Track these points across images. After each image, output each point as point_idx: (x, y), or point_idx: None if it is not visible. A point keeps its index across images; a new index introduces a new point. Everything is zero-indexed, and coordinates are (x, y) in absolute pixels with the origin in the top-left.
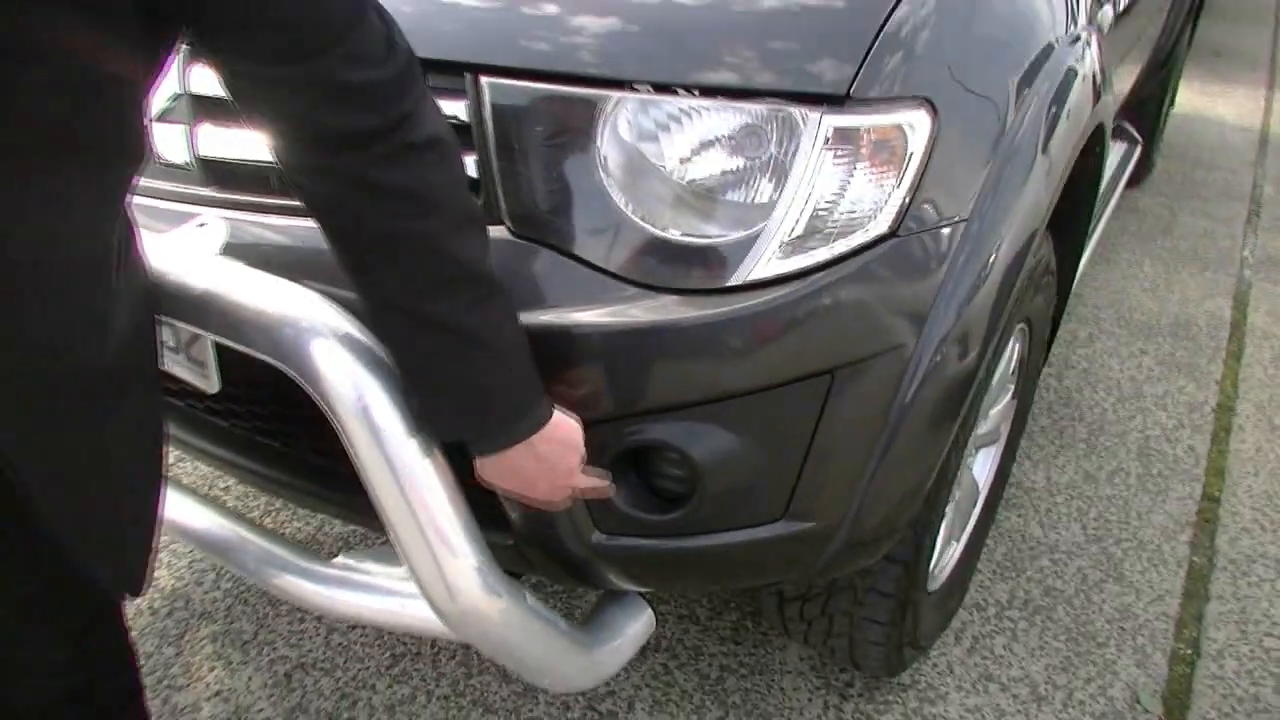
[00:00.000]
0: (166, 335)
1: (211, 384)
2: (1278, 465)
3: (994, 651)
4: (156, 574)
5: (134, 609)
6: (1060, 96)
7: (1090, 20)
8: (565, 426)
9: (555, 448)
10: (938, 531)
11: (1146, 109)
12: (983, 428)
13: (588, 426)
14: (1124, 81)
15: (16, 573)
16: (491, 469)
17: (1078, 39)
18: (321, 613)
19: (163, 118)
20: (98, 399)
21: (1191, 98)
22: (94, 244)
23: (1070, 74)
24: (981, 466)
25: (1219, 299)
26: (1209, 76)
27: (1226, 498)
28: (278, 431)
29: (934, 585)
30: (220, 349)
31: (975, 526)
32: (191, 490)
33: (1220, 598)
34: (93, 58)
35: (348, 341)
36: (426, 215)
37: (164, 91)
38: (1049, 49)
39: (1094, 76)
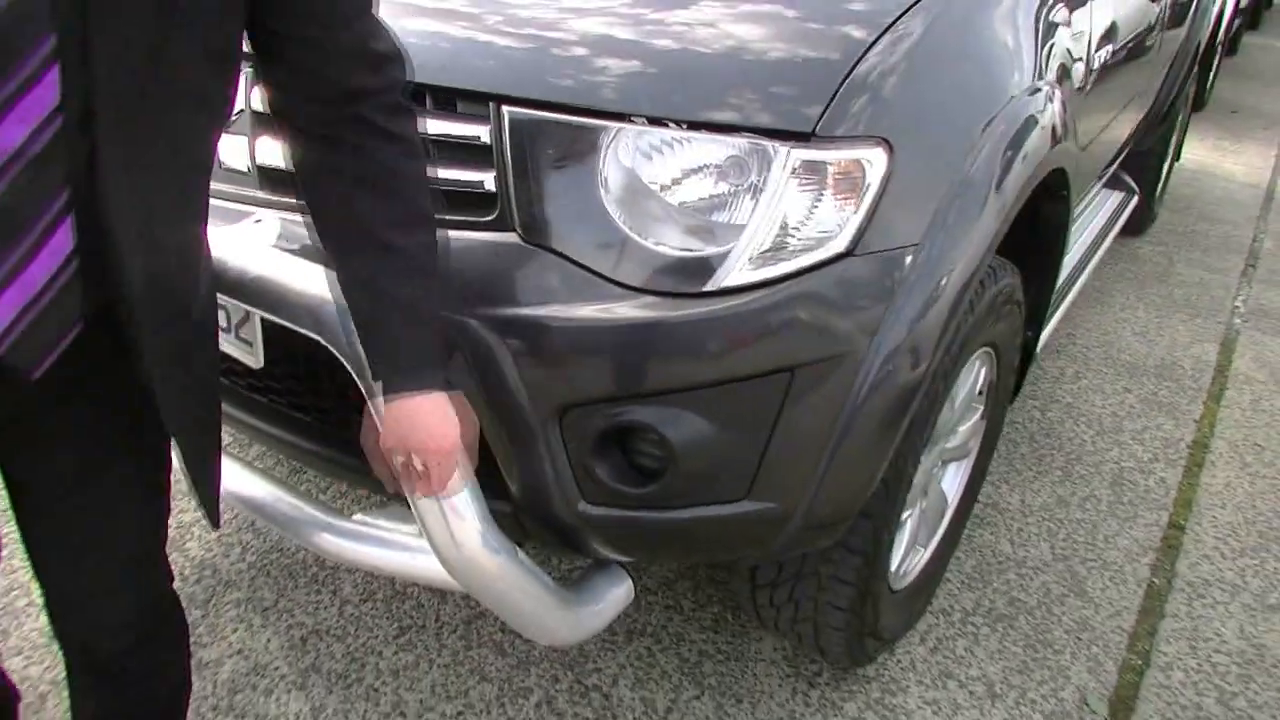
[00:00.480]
0: (220, 317)
1: (257, 360)
2: (1245, 499)
3: (955, 652)
4: (187, 545)
5: None
6: (1016, 141)
7: (1057, 77)
8: (462, 398)
9: (455, 410)
10: (895, 529)
11: (1147, 161)
12: (951, 442)
13: (579, 406)
14: (1114, 133)
15: (124, 530)
16: (399, 410)
17: (1038, 90)
18: (342, 563)
19: (227, 129)
20: (197, 345)
21: (1204, 153)
22: (197, 213)
23: (1029, 122)
24: (950, 480)
25: (1206, 344)
26: (1223, 133)
27: (1192, 526)
28: (309, 405)
29: (899, 584)
30: (267, 329)
31: (944, 536)
32: (231, 454)
33: (1175, 616)
34: (225, 26)
35: None
36: (416, 156)
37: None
38: (1007, 99)
39: (1054, 126)
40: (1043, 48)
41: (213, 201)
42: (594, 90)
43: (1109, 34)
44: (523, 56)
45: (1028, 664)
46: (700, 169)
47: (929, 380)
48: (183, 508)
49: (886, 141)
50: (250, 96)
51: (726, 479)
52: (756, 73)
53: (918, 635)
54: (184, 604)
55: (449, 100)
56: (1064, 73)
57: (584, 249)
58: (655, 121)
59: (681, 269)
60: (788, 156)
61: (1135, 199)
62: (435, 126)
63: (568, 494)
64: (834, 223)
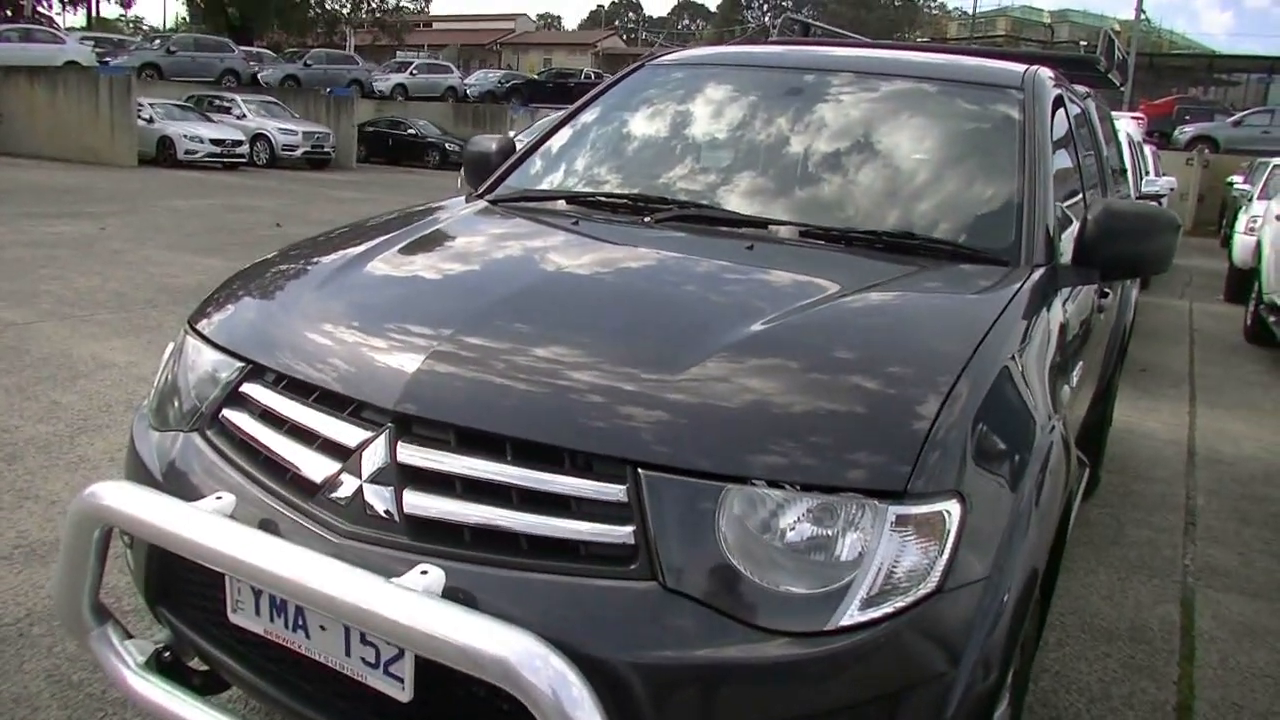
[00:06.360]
0: (368, 654)
1: (404, 695)
2: None
3: None
4: None
5: None
6: (1045, 467)
7: (1057, 407)
8: None
9: None
10: None
11: (1090, 434)
12: None
13: None
14: (1075, 424)
15: None
16: None
17: (1053, 428)
18: None
19: (374, 480)
20: None
21: (1125, 412)
22: None
23: (1051, 448)
24: None
25: (1168, 605)
26: (1138, 392)
27: None
28: None
29: None
30: (421, 668)
31: None
32: None
33: None
34: None
35: (549, 663)
36: None
37: (375, 459)
38: (1035, 434)
39: (1066, 447)
40: (1052, 385)
41: (364, 547)
42: (715, 456)
43: (1078, 353)
44: (654, 426)
45: None
46: (809, 521)
47: (1005, 685)
48: None
49: (959, 493)
50: (396, 451)
51: None
52: (853, 441)
53: None
54: None
55: (588, 463)
56: (1060, 401)
57: (714, 593)
58: (773, 484)
59: (799, 610)
60: (887, 512)
61: (1087, 471)
62: (578, 486)
63: None
64: (925, 566)
